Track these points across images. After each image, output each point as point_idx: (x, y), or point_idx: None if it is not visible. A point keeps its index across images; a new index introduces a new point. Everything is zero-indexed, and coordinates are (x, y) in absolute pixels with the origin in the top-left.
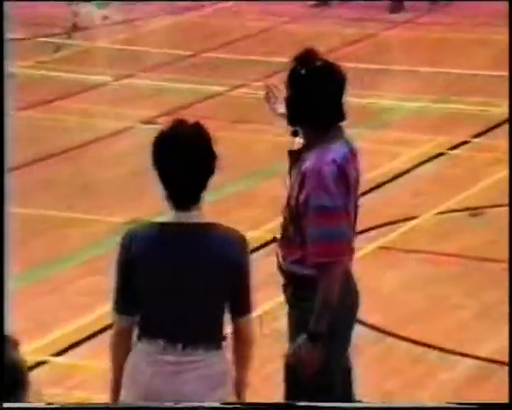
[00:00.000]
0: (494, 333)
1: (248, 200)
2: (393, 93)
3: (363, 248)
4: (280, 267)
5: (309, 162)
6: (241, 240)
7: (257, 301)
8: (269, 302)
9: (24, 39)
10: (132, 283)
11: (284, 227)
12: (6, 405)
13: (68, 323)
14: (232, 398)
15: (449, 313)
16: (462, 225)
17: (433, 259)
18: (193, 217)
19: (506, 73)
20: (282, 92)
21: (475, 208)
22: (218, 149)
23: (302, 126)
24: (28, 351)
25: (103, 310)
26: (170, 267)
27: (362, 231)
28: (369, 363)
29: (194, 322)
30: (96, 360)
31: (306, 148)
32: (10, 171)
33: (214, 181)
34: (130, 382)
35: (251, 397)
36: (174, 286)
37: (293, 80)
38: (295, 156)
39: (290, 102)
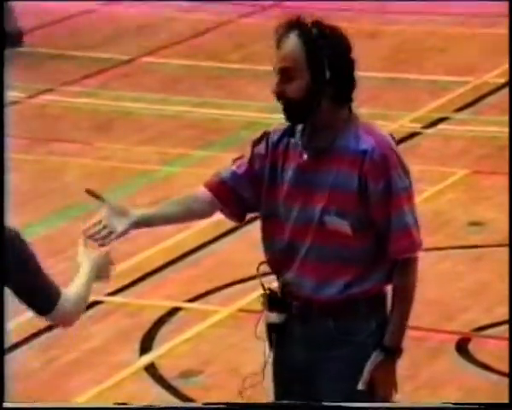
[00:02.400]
0: None
1: (59, 245)
2: (258, 101)
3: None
4: (307, 303)
5: (365, 145)
6: (13, 236)
7: (76, 386)
8: (92, 389)
9: None
10: None
11: (322, 240)
12: (6, 405)
13: None
14: None
15: None
16: None
17: None
18: None
19: (403, 75)
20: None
21: None
22: (17, 177)
23: (324, 106)
24: None
25: None
26: None
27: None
28: None
29: None
30: None
31: (332, 132)
32: None
33: (16, 221)
34: None
35: None
36: None
37: (319, 44)
38: (317, 149)
39: (313, 76)
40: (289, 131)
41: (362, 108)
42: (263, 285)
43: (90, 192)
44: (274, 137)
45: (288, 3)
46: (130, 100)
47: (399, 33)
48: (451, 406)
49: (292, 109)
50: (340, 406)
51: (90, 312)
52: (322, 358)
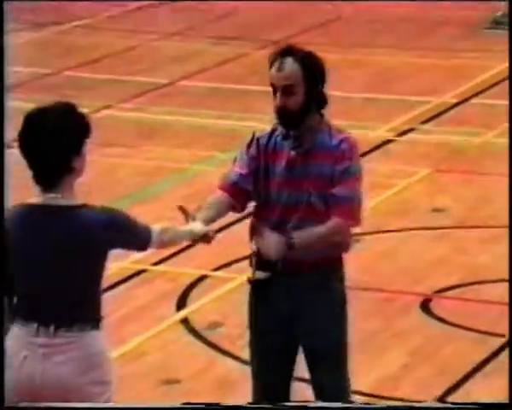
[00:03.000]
0: (376, 364)
1: None
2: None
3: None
4: (309, 264)
5: (335, 139)
6: (110, 213)
7: (126, 335)
8: (139, 337)
9: None
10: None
11: (309, 216)
12: (6, 405)
13: None
14: (108, 377)
15: None
16: None
17: None
18: (57, 198)
19: (381, 96)
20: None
21: (354, 235)
22: (83, 177)
23: (311, 114)
24: None
25: None
26: (35, 249)
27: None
28: None
29: (66, 303)
30: None
31: (310, 135)
32: None
33: None
34: (7, 364)
35: None
36: (42, 268)
37: (311, 65)
38: (303, 148)
39: (314, 90)
40: (274, 135)
41: (348, 121)
42: (252, 249)
43: (181, 209)
44: (263, 141)
45: (291, 39)
46: (169, 114)
47: (378, 63)
48: (451, 406)
49: (291, 119)
50: (339, 407)
51: (138, 278)
52: (304, 303)
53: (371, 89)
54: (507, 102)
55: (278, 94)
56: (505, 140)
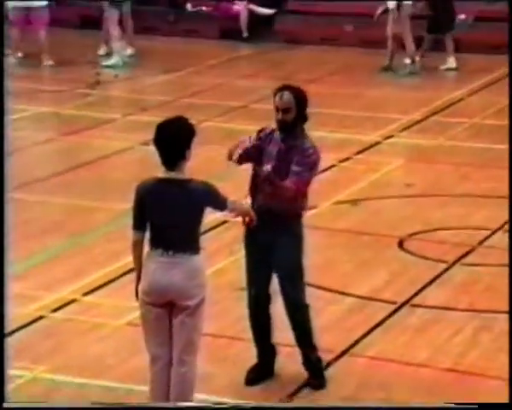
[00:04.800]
0: (368, 279)
1: None
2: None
3: None
4: (278, 212)
5: (307, 145)
6: (207, 185)
7: (214, 261)
8: (221, 263)
9: (64, 91)
10: (142, 212)
11: (282, 190)
12: (6, 405)
13: (91, 275)
14: (204, 283)
15: (338, 265)
16: (346, 211)
17: (329, 233)
18: (176, 175)
19: (372, 115)
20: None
21: (355, 200)
22: (190, 162)
23: (298, 127)
24: (65, 293)
25: (116, 265)
26: (163, 203)
27: None
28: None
29: (179, 237)
30: (111, 299)
31: (295, 139)
32: (56, 175)
33: None
34: (143, 274)
35: None
36: (166, 214)
37: (300, 97)
38: (289, 144)
39: (301, 111)
40: (271, 135)
41: (352, 129)
42: (250, 202)
43: (230, 157)
44: (266, 132)
45: (320, 79)
46: (245, 124)
47: (372, 94)
48: (452, 406)
49: (288, 127)
50: (340, 407)
51: (223, 226)
52: (276, 238)
53: (367, 110)
54: (452, 120)
55: (280, 113)
56: (453, 142)
